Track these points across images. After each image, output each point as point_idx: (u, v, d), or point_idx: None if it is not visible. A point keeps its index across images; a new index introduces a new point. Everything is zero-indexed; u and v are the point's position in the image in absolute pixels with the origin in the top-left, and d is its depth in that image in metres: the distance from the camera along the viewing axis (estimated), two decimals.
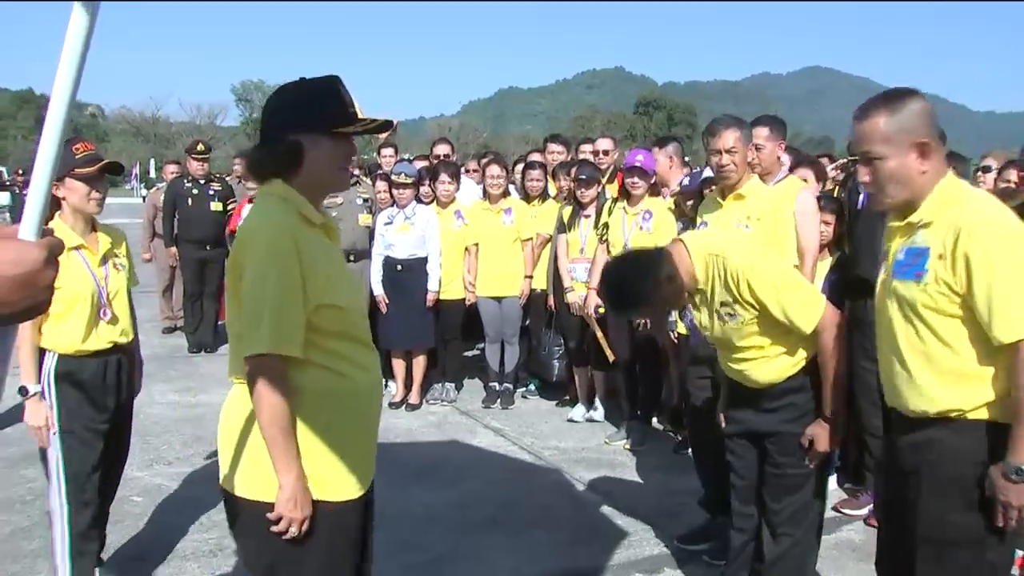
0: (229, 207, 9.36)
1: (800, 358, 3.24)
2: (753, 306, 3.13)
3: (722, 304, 3.19)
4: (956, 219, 2.39)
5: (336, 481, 2.31)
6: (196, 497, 4.93)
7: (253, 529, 2.28)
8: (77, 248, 3.49)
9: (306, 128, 2.27)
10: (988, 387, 2.41)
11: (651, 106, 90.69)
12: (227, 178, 10.92)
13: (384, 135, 8.46)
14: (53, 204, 3.38)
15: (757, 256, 3.25)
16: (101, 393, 3.60)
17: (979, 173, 6.21)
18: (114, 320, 3.61)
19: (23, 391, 3.48)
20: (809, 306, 3.12)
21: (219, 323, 9.67)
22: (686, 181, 5.74)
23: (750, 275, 3.11)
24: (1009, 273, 2.32)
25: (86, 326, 3.50)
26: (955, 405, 2.44)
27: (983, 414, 2.42)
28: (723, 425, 3.62)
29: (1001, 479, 2.35)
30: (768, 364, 3.27)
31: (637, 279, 3.13)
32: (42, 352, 3.51)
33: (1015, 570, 4.13)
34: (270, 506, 2.21)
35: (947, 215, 2.43)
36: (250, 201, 9.17)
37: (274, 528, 2.21)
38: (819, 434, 3.22)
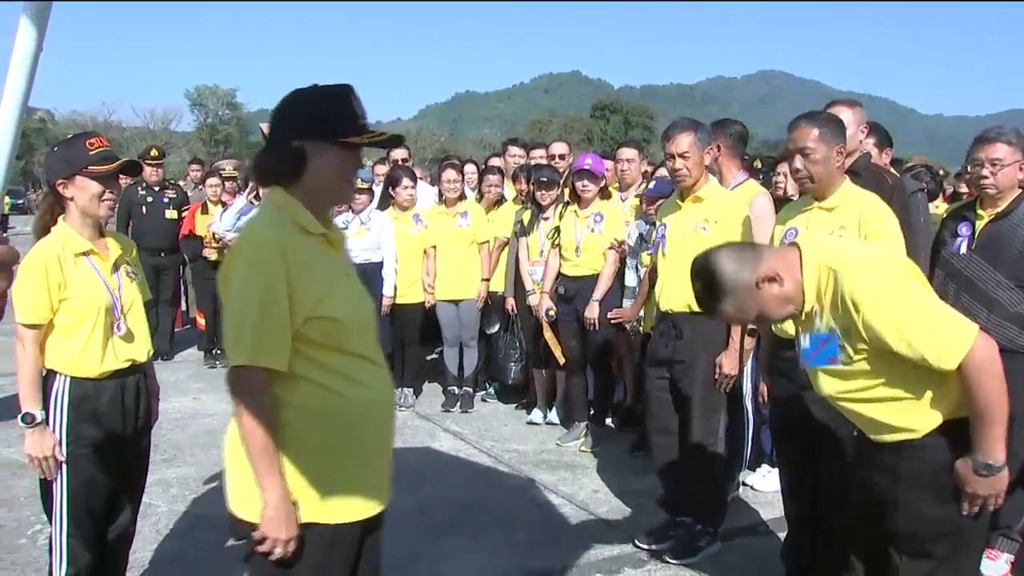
0: (184, 214, 9.25)
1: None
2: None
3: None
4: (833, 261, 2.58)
5: (329, 503, 2.22)
6: (147, 503, 4.88)
7: (245, 548, 2.22)
8: (86, 254, 3.08)
9: (311, 135, 2.20)
10: (940, 404, 2.51)
11: (608, 109, 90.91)
12: (182, 183, 10.80)
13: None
14: (56, 208, 3.08)
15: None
16: (119, 421, 3.16)
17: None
18: (129, 336, 3.17)
19: (28, 418, 3.00)
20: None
21: (175, 330, 9.55)
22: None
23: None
24: (902, 311, 2.44)
25: (102, 342, 3.07)
26: (914, 427, 2.55)
27: (940, 421, 2.52)
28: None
29: (971, 474, 2.46)
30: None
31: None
32: (48, 374, 3.07)
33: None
34: (255, 526, 2.15)
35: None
36: (203, 206, 9.10)
37: (259, 548, 2.14)
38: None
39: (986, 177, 3.99)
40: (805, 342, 2.67)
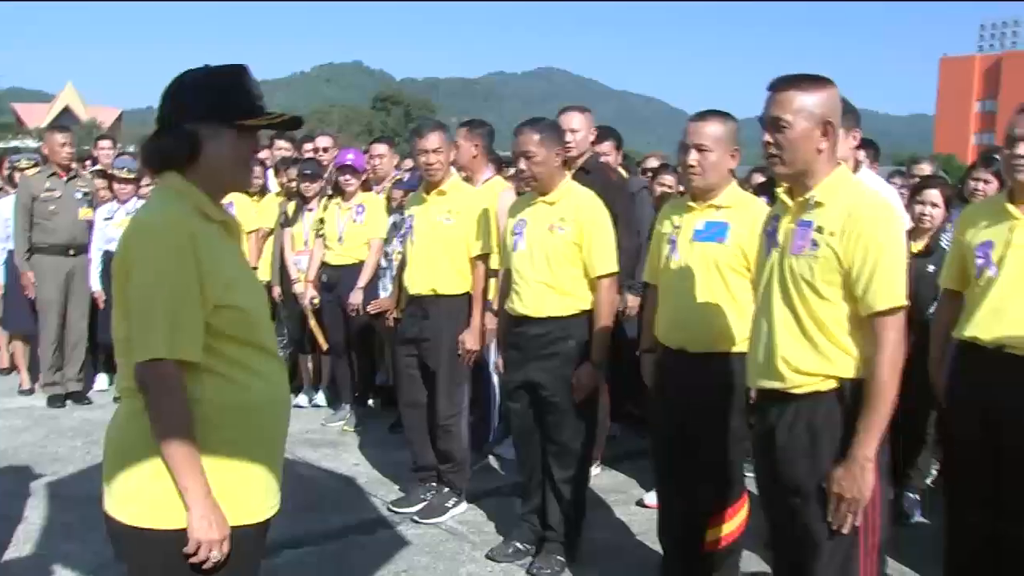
0: None
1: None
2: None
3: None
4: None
5: (238, 505, 2.10)
6: None
7: (151, 562, 2.07)
8: None
9: (206, 118, 2.10)
10: (741, 328, 3.47)
11: (389, 101, 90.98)
12: None
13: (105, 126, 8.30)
14: None
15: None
16: None
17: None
18: None
19: None
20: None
21: None
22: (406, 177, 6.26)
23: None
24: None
25: None
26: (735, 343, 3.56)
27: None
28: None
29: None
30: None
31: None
32: None
33: None
34: (173, 533, 2.01)
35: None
36: None
37: (193, 559, 2.00)
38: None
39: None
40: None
